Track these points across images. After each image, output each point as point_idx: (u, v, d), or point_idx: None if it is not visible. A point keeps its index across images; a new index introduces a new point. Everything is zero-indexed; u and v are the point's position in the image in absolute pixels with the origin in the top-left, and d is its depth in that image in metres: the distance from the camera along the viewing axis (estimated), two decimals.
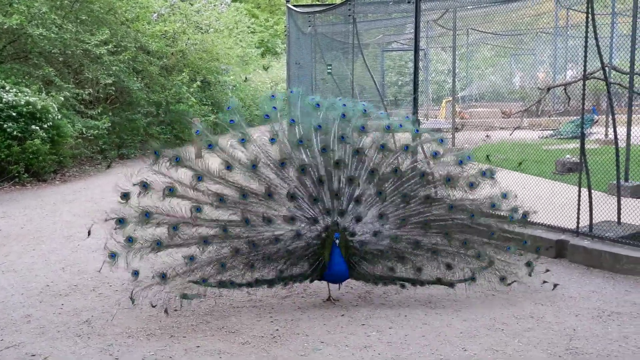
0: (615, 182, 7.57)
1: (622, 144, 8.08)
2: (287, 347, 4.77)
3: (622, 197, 7.34)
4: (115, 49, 16.01)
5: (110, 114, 15.92)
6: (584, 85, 7.18)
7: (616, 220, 7.22)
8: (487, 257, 5.53)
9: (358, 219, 5.52)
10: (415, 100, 8.95)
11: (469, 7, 13.53)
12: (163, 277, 5.18)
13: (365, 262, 5.63)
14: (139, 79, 17.28)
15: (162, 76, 18.82)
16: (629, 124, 8.95)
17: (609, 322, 5.12)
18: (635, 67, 9.86)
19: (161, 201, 5.31)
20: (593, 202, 7.01)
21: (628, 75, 9.82)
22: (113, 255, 5.18)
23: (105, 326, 5.25)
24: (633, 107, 13.06)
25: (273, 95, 5.74)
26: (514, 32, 18.67)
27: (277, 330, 5.10)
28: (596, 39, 6.86)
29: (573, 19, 18.08)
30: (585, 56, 7.01)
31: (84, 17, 15.95)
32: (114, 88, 16.01)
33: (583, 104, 7.19)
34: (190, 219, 5.33)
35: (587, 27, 6.86)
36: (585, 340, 4.80)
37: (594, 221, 7.02)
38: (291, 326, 5.17)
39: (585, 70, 7.13)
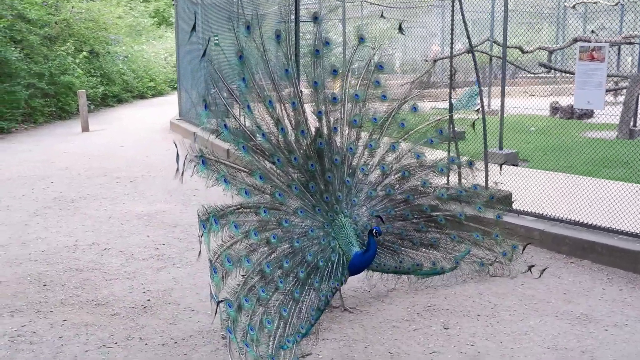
0: (488, 149, 7.95)
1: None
2: (157, 317, 4.78)
3: (495, 164, 7.73)
4: None
5: None
6: (451, 62, 7.51)
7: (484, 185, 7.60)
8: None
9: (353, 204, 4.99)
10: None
11: None
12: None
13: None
14: (18, 49, 16.33)
15: (45, 46, 17.90)
16: (502, 95, 9.44)
17: (467, 281, 5.45)
18: (508, 41, 10.41)
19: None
20: None
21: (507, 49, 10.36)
22: (230, 305, 4.05)
23: None
24: (516, 80, 13.61)
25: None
26: (406, 6, 19.16)
27: (149, 300, 5.10)
28: (462, 14, 7.19)
29: None
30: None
31: None
32: None
33: (451, 77, 7.50)
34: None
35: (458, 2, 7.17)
36: (443, 297, 5.10)
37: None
38: (163, 296, 5.18)
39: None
